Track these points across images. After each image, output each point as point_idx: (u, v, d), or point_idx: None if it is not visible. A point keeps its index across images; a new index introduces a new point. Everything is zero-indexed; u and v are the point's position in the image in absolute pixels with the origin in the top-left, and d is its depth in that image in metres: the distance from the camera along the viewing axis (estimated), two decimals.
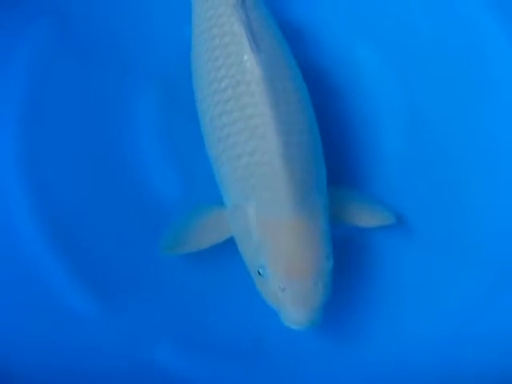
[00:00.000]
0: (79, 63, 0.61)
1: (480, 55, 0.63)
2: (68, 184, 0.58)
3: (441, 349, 0.55)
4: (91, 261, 0.57)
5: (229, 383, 0.55)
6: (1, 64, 0.60)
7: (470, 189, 0.60)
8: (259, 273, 0.51)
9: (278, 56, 0.55)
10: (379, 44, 0.63)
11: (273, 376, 0.55)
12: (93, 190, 0.58)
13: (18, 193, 0.57)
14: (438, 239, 0.58)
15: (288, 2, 0.63)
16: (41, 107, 0.60)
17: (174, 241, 0.55)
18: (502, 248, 0.58)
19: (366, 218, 0.56)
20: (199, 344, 0.55)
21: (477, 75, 0.63)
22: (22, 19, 0.61)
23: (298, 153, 0.52)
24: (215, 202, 0.55)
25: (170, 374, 0.54)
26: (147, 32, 0.62)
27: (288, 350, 0.55)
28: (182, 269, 0.57)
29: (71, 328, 0.55)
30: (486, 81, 0.63)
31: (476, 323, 0.56)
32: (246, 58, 0.53)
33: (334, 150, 0.59)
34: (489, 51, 0.63)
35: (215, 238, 0.54)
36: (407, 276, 0.57)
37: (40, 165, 0.58)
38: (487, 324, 0.56)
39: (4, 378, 0.53)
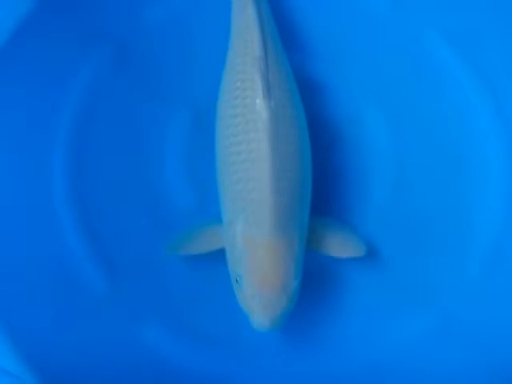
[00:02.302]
0: (125, 87, 0.72)
1: (473, 136, 0.72)
2: (102, 184, 0.70)
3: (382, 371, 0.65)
4: (109, 248, 0.68)
5: (206, 363, 0.66)
6: (60, 83, 0.71)
7: (438, 244, 0.69)
8: (237, 280, 0.62)
9: (286, 104, 0.65)
10: (383, 106, 0.72)
11: (244, 362, 0.66)
12: (121, 193, 0.70)
13: (62, 187, 0.69)
14: (399, 278, 0.68)
15: (309, 61, 0.73)
16: (89, 124, 0.71)
17: (178, 244, 0.66)
18: (451, 303, 0.67)
19: (339, 248, 0.66)
20: (184, 328, 0.66)
21: (466, 151, 0.71)
22: (81, 46, 0.72)
23: (286, 187, 0.62)
24: (220, 217, 0.66)
25: (156, 351, 0.66)
26: (187, 67, 0.73)
27: (257, 345, 0.66)
28: (181, 265, 0.68)
29: (81, 300, 0.66)
30: (473, 156, 0.71)
31: (414, 356, 0.66)
32: (258, 101, 0.63)
33: (325, 187, 0.69)
34: (482, 133, 0.72)
35: (210, 247, 0.65)
36: (365, 303, 0.67)
37: (82, 167, 0.70)
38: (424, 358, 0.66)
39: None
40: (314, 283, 0.66)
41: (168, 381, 0.65)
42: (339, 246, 0.66)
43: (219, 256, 0.64)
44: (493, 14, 0.73)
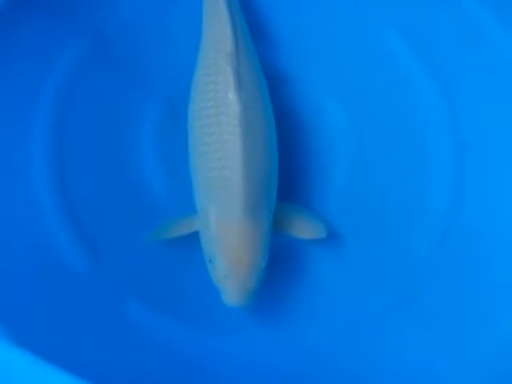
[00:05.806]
0: (102, 77, 0.76)
1: (425, 124, 0.77)
2: (83, 171, 0.74)
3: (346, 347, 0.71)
4: (92, 231, 0.72)
5: (182, 337, 0.71)
6: (38, 74, 0.74)
7: (391, 225, 0.75)
8: (210, 261, 0.67)
9: (255, 97, 0.69)
10: (344, 97, 0.77)
11: (216, 335, 0.71)
12: (101, 179, 0.74)
13: (43, 173, 0.73)
14: (357, 257, 0.74)
15: (276, 55, 0.78)
16: (67, 113, 0.74)
17: (156, 233, 0.71)
18: (404, 281, 0.73)
19: (302, 230, 0.71)
20: (163, 305, 0.71)
21: (420, 138, 0.77)
22: (58, 38, 0.75)
23: (255, 175, 0.67)
24: (192, 204, 0.71)
25: (137, 325, 0.70)
26: (162, 59, 0.77)
27: (230, 319, 0.71)
28: (160, 248, 0.72)
29: (65, 279, 0.70)
30: (425, 142, 0.77)
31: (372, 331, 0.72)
32: (230, 95, 0.68)
33: (290, 173, 0.75)
34: (435, 121, 0.77)
35: (185, 231, 0.70)
36: (326, 280, 0.73)
37: (62, 154, 0.74)
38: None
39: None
40: (279, 263, 0.72)
41: (148, 355, 0.69)
42: (302, 229, 0.71)
43: (194, 239, 0.70)
44: (446, 16, 0.78)
